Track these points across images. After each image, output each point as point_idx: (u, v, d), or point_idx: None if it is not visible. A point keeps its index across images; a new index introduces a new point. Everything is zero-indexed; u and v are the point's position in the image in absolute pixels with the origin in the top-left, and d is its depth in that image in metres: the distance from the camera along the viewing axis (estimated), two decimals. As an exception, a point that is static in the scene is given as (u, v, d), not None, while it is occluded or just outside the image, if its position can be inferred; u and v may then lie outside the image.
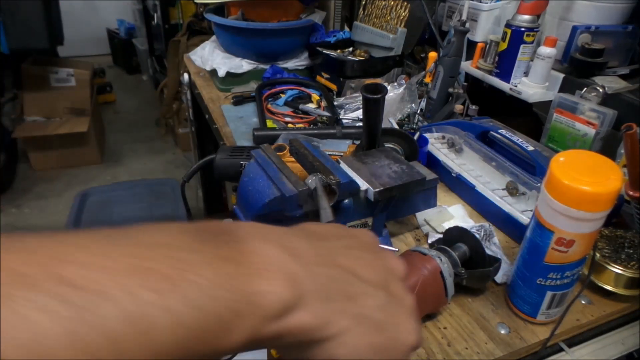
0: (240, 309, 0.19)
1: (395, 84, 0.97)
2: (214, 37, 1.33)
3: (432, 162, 0.80)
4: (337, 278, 0.23)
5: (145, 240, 0.19)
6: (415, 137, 0.77)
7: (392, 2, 1.07)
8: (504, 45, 0.86)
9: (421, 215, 0.68)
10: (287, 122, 0.99)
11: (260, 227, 0.23)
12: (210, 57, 1.26)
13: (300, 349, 0.22)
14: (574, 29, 0.81)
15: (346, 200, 0.54)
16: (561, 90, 0.82)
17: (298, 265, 0.22)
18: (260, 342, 0.20)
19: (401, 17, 1.06)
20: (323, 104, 1.06)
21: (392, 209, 0.60)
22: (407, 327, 0.25)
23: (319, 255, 0.24)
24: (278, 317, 0.20)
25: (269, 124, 0.97)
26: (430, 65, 0.95)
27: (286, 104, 1.07)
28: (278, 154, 0.68)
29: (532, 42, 0.83)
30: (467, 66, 0.97)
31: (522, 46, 0.83)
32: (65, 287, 0.15)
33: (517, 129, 0.74)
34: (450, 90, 0.89)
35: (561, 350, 0.53)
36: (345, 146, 0.84)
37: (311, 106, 1.05)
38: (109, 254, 0.17)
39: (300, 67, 1.26)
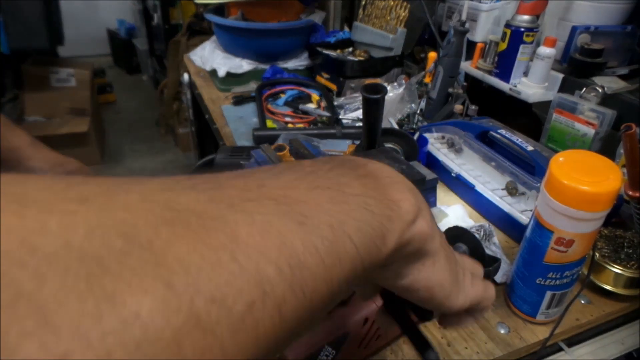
0: (390, 215, 0.21)
1: (395, 84, 0.97)
2: (214, 37, 1.33)
3: (432, 162, 0.80)
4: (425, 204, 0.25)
5: (299, 170, 0.20)
6: (415, 137, 0.78)
7: (392, 2, 1.07)
8: (503, 46, 0.86)
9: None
10: (287, 122, 0.99)
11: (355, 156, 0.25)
12: (210, 57, 1.26)
13: (408, 261, 0.24)
14: (574, 29, 0.81)
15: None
16: (560, 90, 0.82)
17: (406, 180, 0.24)
18: (399, 249, 0.22)
19: (401, 17, 1.06)
20: (323, 104, 1.06)
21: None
22: (467, 260, 0.28)
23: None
24: (412, 222, 0.22)
25: (269, 124, 0.97)
26: (430, 65, 0.96)
27: (286, 104, 1.07)
28: (278, 154, 0.68)
29: (531, 43, 0.83)
30: (466, 66, 0.97)
31: (521, 46, 0.83)
32: (282, 205, 0.17)
33: (516, 129, 0.74)
34: (450, 90, 0.89)
35: (561, 349, 0.53)
36: (345, 146, 0.85)
37: (311, 106, 1.05)
38: (287, 180, 0.19)
39: (300, 67, 1.26)
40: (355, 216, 0.19)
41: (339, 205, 0.19)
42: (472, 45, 0.96)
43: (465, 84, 0.92)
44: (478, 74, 0.94)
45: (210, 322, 0.13)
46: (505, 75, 0.88)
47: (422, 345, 0.32)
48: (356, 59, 1.15)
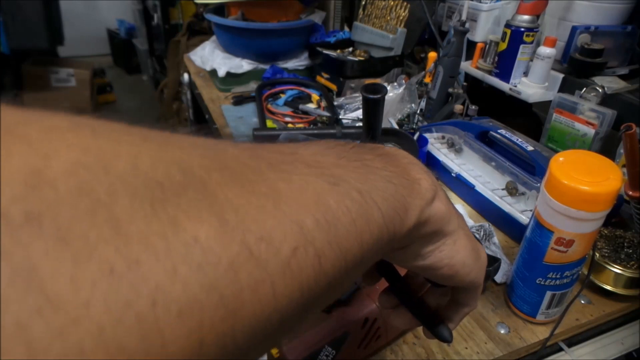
0: (411, 191, 0.22)
1: (395, 84, 0.97)
2: (214, 37, 1.33)
3: (432, 162, 0.80)
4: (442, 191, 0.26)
5: (325, 144, 0.21)
6: (415, 137, 0.78)
7: (392, 2, 1.07)
8: (503, 46, 0.86)
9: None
10: (287, 122, 0.99)
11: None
12: (210, 57, 1.26)
13: (427, 241, 0.24)
14: (574, 29, 0.81)
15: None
16: (561, 90, 0.82)
17: (421, 163, 0.25)
18: (418, 227, 0.22)
19: (401, 17, 1.06)
20: (323, 104, 1.06)
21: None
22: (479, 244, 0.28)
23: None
24: (431, 202, 0.23)
25: (269, 124, 0.97)
26: (430, 65, 0.96)
27: (286, 104, 1.07)
28: (278, 154, 0.68)
29: (531, 42, 0.83)
30: (466, 66, 0.97)
31: (521, 46, 0.83)
32: (315, 168, 0.18)
33: (516, 129, 0.74)
34: (450, 90, 0.89)
35: (561, 350, 0.53)
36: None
37: (311, 106, 1.05)
38: (317, 150, 0.20)
39: (300, 67, 1.26)
40: (380, 187, 0.20)
41: (365, 176, 0.20)
42: (472, 45, 0.96)
43: (465, 83, 0.92)
44: (478, 74, 0.94)
45: (260, 258, 0.14)
46: (505, 75, 0.87)
47: (433, 322, 0.30)
48: (356, 59, 1.15)
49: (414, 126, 0.91)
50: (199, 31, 2.22)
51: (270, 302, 0.14)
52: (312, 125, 0.98)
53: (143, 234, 0.11)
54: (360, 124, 0.88)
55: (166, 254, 0.11)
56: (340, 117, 0.99)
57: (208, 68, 1.25)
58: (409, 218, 0.21)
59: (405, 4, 1.05)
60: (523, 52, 0.84)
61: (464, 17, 0.87)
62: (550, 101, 0.80)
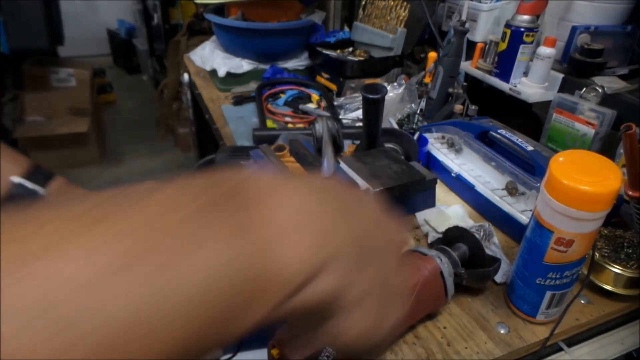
0: (255, 278, 0.16)
1: (395, 84, 0.97)
2: (214, 37, 1.33)
3: (432, 162, 0.80)
4: (358, 238, 0.21)
5: (153, 201, 0.16)
6: (415, 137, 0.78)
7: (392, 2, 1.07)
8: (503, 46, 0.86)
9: (420, 215, 0.68)
10: (287, 122, 0.99)
11: (276, 178, 0.20)
12: (210, 57, 1.26)
13: (307, 326, 0.21)
14: (574, 29, 0.81)
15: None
16: (560, 90, 0.82)
17: (326, 219, 0.19)
18: (276, 319, 0.18)
19: (401, 17, 1.06)
20: (323, 104, 1.06)
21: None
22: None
23: (339, 210, 0.21)
24: (303, 286, 0.18)
25: (269, 124, 0.97)
26: (430, 65, 0.96)
27: (286, 104, 1.08)
28: (278, 154, 0.68)
29: (531, 43, 0.83)
30: (466, 66, 0.97)
31: (521, 46, 0.83)
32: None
33: (516, 129, 0.74)
34: (450, 90, 0.89)
35: (560, 349, 0.53)
36: (345, 146, 0.84)
37: (311, 106, 1.05)
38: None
39: (300, 67, 1.26)
40: (187, 288, 0.15)
41: (162, 273, 0.14)
42: (472, 45, 0.96)
43: (465, 83, 0.92)
44: (478, 74, 0.94)
45: None
46: (505, 75, 0.88)
47: None
48: (356, 59, 1.15)
49: (414, 126, 0.91)
50: (199, 31, 2.22)
51: None
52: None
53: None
54: (360, 124, 0.88)
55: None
56: (340, 117, 0.99)
57: (208, 68, 1.25)
58: (242, 322, 0.16)
59: (405, 4, 1.05)
60: (523, 52, 0.84)
61: (464, 17, 0.87)
62: (550, 101, 0.80)
